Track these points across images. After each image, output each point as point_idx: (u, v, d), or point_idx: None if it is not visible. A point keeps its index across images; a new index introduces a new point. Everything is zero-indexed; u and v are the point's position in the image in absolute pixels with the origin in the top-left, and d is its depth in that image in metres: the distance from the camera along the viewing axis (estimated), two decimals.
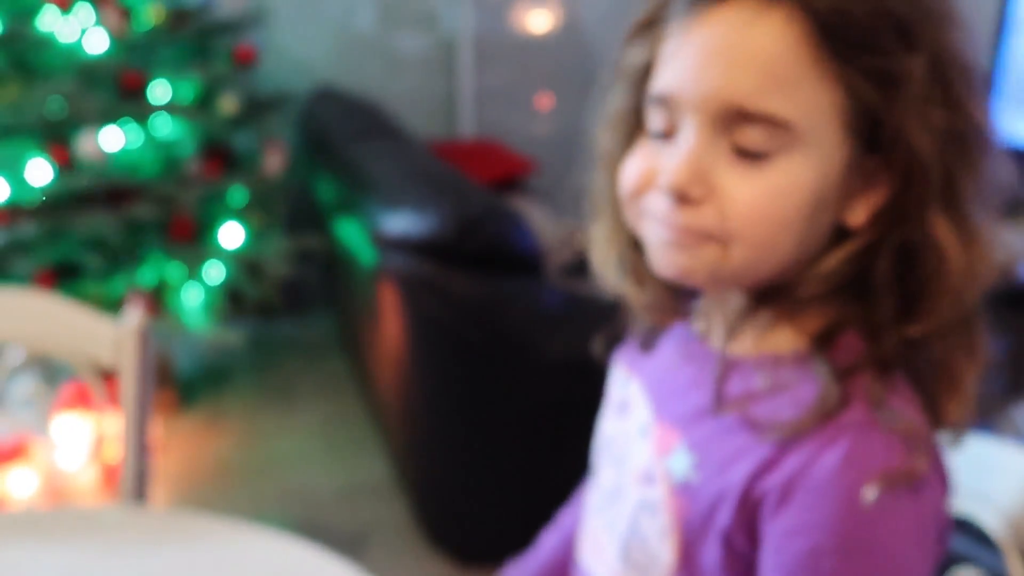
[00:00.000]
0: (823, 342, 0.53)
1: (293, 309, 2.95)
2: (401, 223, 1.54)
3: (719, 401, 0.55)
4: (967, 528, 1.22)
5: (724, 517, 0.53)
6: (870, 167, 0.51)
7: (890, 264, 0.51)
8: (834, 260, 0.52)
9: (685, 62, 0.50)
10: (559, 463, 1.63)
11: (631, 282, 0.62)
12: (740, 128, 0.50)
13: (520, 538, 1.27)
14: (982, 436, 0.78)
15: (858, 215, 0.52)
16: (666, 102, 0.52)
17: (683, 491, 0.56)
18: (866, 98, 0.49)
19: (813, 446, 0.50)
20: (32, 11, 2.03)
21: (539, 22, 3.42)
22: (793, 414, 0.51)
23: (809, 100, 0.49)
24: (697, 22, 0.50)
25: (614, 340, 0.70)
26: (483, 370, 1.57)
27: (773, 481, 0.51)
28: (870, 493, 0.48)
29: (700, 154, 0.50)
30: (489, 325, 1.50)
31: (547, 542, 0.83)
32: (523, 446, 1.63)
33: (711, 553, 0.54)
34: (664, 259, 0.54)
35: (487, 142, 3.23)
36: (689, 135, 0.51)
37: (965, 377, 0.54)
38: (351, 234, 1.94)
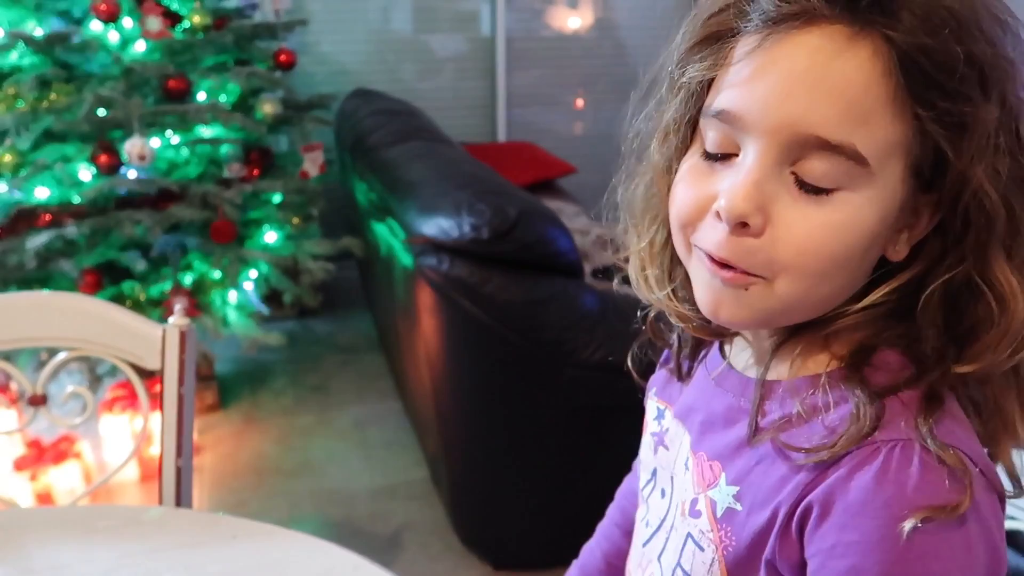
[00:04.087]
0: (858, 362, 0.52)
1: (330, 309, 2.98)
2: (438, 224, 1.54)
3: (755, 431, 0.54)
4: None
5: (770, 547, 0.52)
6: (919, 204, 0.51)
7: (938, 300, 0.51)
8: (877, 296, 0.52)
9: (762, 85, 0.48)
10: (595, 467, 1.62)
11: (675, 297, 0.61)
12: (811, 159, 0.48)
13: (554, 543, 1.26)
14: None
15: (900, 250, 0.52)
16: (731, 121, 0.50)
17: (727, 522, 0.55)
18: (936, 141, 0.48)
19: (851, 463, 0.49)
20: (80, 18, 2.08)
21: (572, 23, 3.41)
22: (826, 437, 0.50)
23: (883, 137, 0.47)
24: (778, 44, 0.48)
25: (646, 356, 0.70)
26: (519, 372, 1.56)
27: (813, 499, 0.50)
28: (908, 525, 0.46)
29: (762, 180, 0.49)
30: (526, 327, 1.50)
31: None
32: (559, 449, 1.62)
33: None
34: (710, 303, 0.53)
35: (523, 144, 3.22)
36: (752, 159, 0.49)
37: (1017, 419, 0.53)
38: (388, 235, 1.95)
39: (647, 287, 0.62)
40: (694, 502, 0.58)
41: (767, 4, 0.48)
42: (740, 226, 0.49)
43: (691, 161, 0.54)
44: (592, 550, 0.84)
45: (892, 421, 0.50)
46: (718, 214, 0.50)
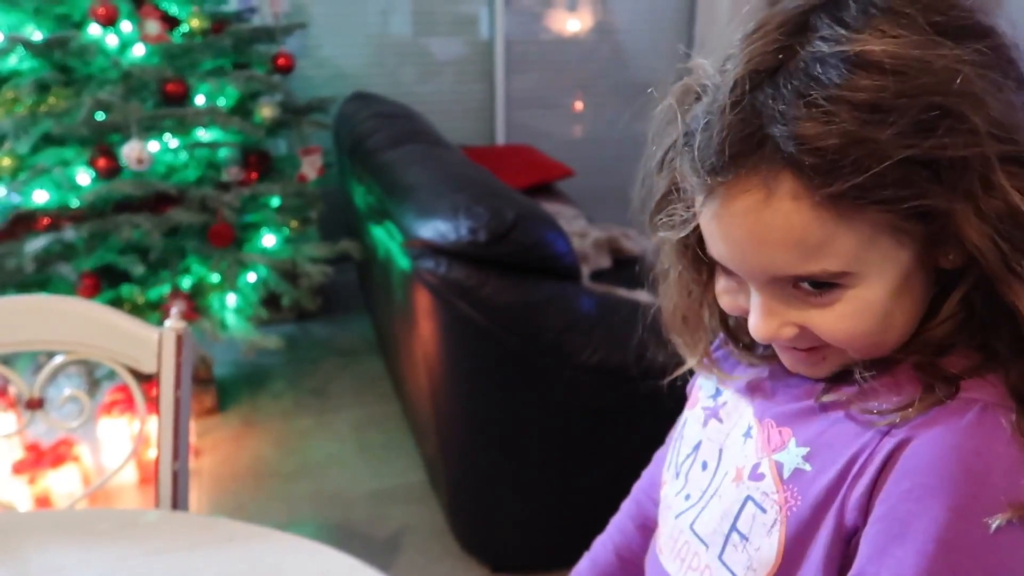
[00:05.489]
0: (932, 355, 0.54)
1: (329, 313, 2.99)
2: (436, 227, 1.55)
3: (826, 394, 0.57)
4: None
5: (839, 503, 0.53)
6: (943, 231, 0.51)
7: (995, 311, 0.51)
8: (947, 311, 0.53)
9: (721, 247, 0.53)
10: (593, 469, 1.62)
11: (732, 345, 0.67)
12: (800, 281, 0.52)
13: (552, 546, 1.26)
14: None
15: (953, 260, 0.52)
16: (722, 266, 0.56)
17: (795, 483, 0.56)
18: (900, 222, 0.48)
19: (936, 414, 0.50)
20: (79, 22, 2.08)
21: (571, 26, 3.41)
22: (900, 403, 0.52)
23: (849, 247, 0.49)
24: (716, 208, 0.51)
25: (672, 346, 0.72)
26: (517, 375, 1.57)
27: (891, 447, 0.51)
28: (994, 522, 0.47)
29: (772, 307, 0.54)
30: (524, 330, 1.50)
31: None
32: (557, 452, 1.62)
33: (818, 546, 0.54)
34: (790, 365, 0.59)
35: (521, 147, 3.23)
36: (755, 296, 0.55)
37: None
38: (386, 238, 1.95)
39: (679, 331, 0.68)
40: (756, 466, 0.60)
41: (692, 176, 0.51)
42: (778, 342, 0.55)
43: (722, 282, 0.59)
44: (604, 543, 0.84)
45: (977, 387, 0.51)
46: None
